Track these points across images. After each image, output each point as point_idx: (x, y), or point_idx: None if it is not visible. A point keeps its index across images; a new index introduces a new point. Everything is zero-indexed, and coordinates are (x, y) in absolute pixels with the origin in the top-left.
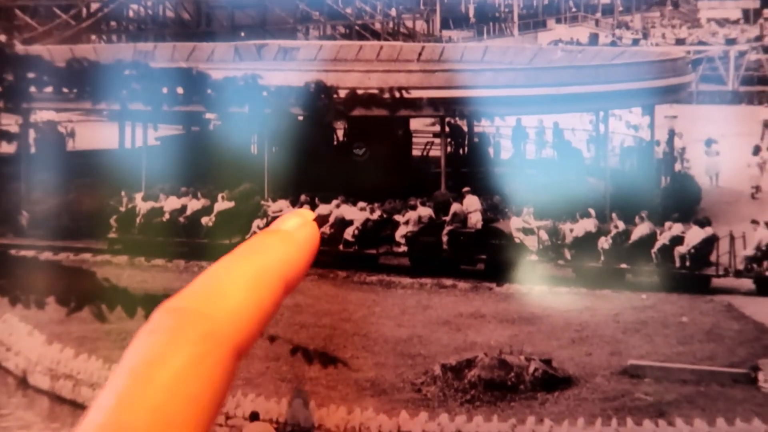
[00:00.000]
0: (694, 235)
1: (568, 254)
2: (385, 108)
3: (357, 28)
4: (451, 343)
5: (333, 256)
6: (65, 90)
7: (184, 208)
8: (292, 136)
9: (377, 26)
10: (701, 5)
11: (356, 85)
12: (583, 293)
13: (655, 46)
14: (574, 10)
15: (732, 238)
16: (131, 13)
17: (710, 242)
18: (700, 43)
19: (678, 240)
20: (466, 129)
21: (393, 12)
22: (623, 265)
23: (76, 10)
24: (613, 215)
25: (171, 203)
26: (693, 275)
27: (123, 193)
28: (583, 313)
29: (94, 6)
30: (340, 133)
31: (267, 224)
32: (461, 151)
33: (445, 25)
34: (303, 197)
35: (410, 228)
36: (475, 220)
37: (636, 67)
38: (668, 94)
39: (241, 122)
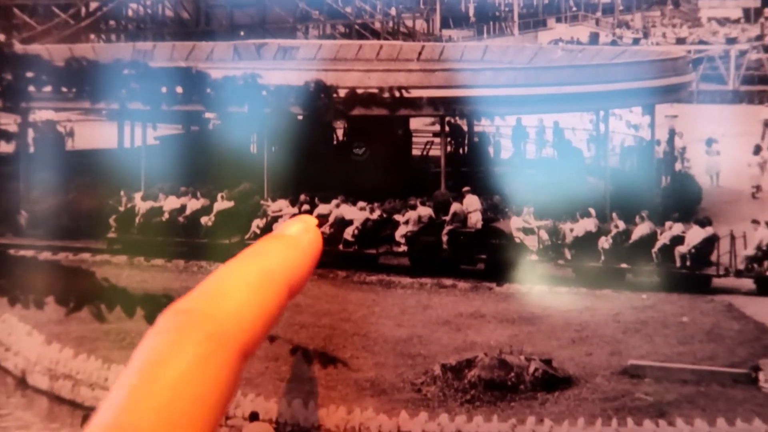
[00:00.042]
0: (695, 234)
1: (568, 254)
2: (384, 107)
3: (357, 27)
4: (451, 343)
5: (333, 256)
6: (64, 89)
7: (183, 207)
8: (291, 135)
9: (377, 25)
10: (702, 4)
11: (356, 85)
12: (584, 293)
13: (656, 45)
14: (574, 9)
15: (732, 238)
16: (130, 13)
17: (711, 242)
18: (701, 42)
19: (678, 240)
20: (466, 128)
21: (393, 11)
22: (623, 265)
23: (75, 10)
24: (614, 215)
25: (170, 203)
26: (693, 275)
27: (122, 193)
28: (584, 313)
29: (93, 5)
30: (340, 133)
31: (267, 224)
32: (461, 151)
33: (445, 24)
34: (303, 197)
35: (410, 228)
36: (475, 219)
37: (636, 66)
38: (669, 93)
39: (241, 121)
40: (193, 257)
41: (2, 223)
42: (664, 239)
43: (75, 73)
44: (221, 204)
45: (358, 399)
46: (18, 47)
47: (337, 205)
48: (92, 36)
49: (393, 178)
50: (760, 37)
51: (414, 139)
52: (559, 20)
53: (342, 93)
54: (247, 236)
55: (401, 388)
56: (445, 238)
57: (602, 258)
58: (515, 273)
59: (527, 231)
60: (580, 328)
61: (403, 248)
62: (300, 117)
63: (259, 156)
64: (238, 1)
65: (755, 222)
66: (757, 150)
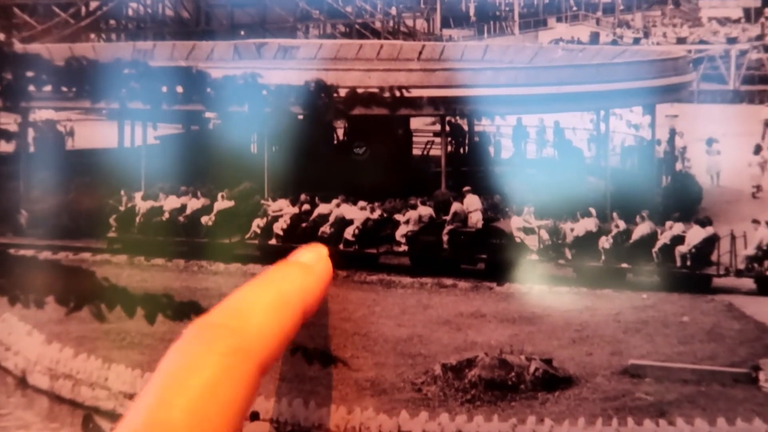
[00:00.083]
0: (695, 234)
1: (568, 254)
2: (385, 107)
3: (357, 26)
4: (452, 342)
5: (333, 256)
6: (64, 88)
7: (183, 207)
8: (292, 135)
9: (377, 25)
10: (702, 4)
11: (356, 84)
12: (584, 293)
13: (656, 45)
14: (574, 8)
15: (733, 238)
16: (130, 12)
17: (711, 242)
18: (701, 42)
19: (679, 239)
20: (466, 128)
21: (393, 11)
22: (624, 265)
23: (75, 9)
24: (614, 214)
25: (171, 202)
26: (694, 275)
27: (122, 192)
28: (584, 313)
29: (93, 4)
30: (340, 132)
31: (267, 223)
32: (462, 151)
33: (445, 23)
34: (303, 196)
35: (410, 227)
36: (476, 219)
37: (637, 66)
38: (669, 93)
39: (241, 121)
40: (194, 257)
41: (2, 223)
42: (664, 239)
43: (75, 73)
44: (221, 203)
45: (359, 398)
46: (18, 46)
47: (338, 205)
48: (92, 35)
49: (393, 178)
50: (760, 37)
51: (414, 139)
52: (559, 20)
53: (342, 92)
54: (247, 236)
55: (402, 388)
56: (445, 238)
57: (603, 258)
58: (516, 273)
59: (528, 231)
60: (580, 328)
61: (404, 248)
62: (300, 116)
63: (260, 155)
64: (238, 0)
65: (755, 222)
66: (758, 150)
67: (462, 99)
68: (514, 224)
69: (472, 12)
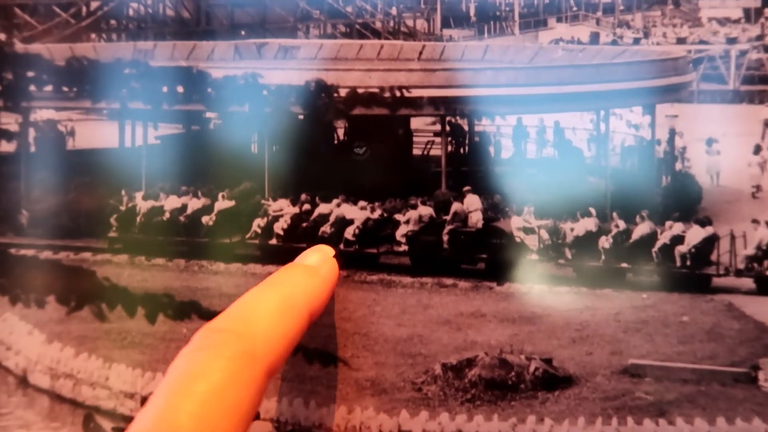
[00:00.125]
0: (695, 234)
1: (568, 253)
2: (385, 107)
3: (357, 26)
4: (452, 342)
5: (338, 256)
6: (65, 88)
7: (184, 207)
8: (292, 135)
9: (378, 25)
10: (702, 4)
11: (357, 84)
12: (584, 292)
13: (656, 45)
14: (574, 9)
15: (733, 238)
16: (131, 12)
17: (711, 241)
18: (701, 42)
19: (679, 239)
20: (466, 128)
21: (394, 11)
22: (624, 265)
23: (75, 9)
24: (614, 214)
25: (171, 202)
26: (693, 274)
27: (123, 192)
28: (584, 313)
29: (94, 4)
30: (341, 132)
31: (267, 223)
32: (462, 150)
33: (445, 23)
34: (303, 196)
35: (411, 227)
36: (476, 219)
37: (637, 66)
38: (669, 93)
39: (242, 121)
40: (194, 256)
41: (3, 223)
42: (664, 239)
43: (76, 73)
44: (222, 203)
45: (359, 398)
46: (19, 46)
47: (338, 205)
48: (93, 35)
49: (394, 178)
50: (760, 37)
51: (415, 139)
52: (559, 20)
53: (343, 92)
54: (248, 236)
55: (402, 388)
56: (445, 238)
57: (603, 257)
58: (516, 272)
59: (528, 230)
60: (580, 328)
61: (404, 248)
62: (301, 116)
63: (260, 155)
64: (238, 0)
65: (755, 221)
66: (757, 150)
67: (462, 99)
68: (514, 224)
69: (472, 12)
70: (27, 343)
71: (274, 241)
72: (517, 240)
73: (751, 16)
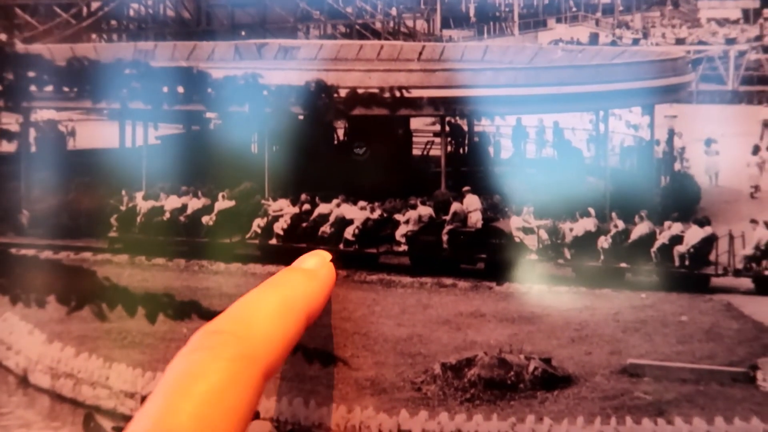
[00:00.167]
0: (694, 234)
1: (567, 253)
2: (385, 107)
3: (357, 27)
4: (451, 342)
5: (333, 256)
6: (66, 89)
7: (184, 207)
8: (292, 135)
9: (378, 25)
10: (701, 5)
11: (357, 85)
12: (583, 292)
13: (655, 45)
14: (574, 9)
15: (731, 238)
16: (132, 12)
17: (709, 241)
18: (700, 42)
19: (677, 239)
20: (466, 128)
21: (393, 11)
22: (623, 265)
23: (76, 9)
24: (613, 214)
25: (171, 202)
26: (692, 274)
27: (123, 192)
28: (583, 312)
29: (95, 5)
30: (341, 133)
31: (267, 223)
32: (461, 151)
33: (445, 24)
34: (303, 196)
35: (410, 227)
36: (475, 219)
37: (636, 66)
38: (668, 93)
39: (242, 121)
40: (194, 256)
41: (3, 223)
42: (663, 239)
43: (76, 73)
44: (222, 203)
45: (359, 398)
46: (19, 47)
47: (338, 205)
48: (94, 36)
49: (393, 178)
50: (759, 38)
51: (414, 139)
52: (559, 20)
53: (343, 93)
54: (248, 236)
55: (401, 387)
56: (445, 238)
57: (602, 257)
58: (515, 272)
59: (527, 230)
60: (579, 327)
61: (404, 248)
62: (301, 117)
63: (260, 156)
64: (238, 0)
65: (754, 222)
66: (756, 150)
67: (462, 99)
68: (514, 224)
69: (472, 13)
70: (27, 343)
71: (274, 241)
72: (517, 240)
73: (749, 16)
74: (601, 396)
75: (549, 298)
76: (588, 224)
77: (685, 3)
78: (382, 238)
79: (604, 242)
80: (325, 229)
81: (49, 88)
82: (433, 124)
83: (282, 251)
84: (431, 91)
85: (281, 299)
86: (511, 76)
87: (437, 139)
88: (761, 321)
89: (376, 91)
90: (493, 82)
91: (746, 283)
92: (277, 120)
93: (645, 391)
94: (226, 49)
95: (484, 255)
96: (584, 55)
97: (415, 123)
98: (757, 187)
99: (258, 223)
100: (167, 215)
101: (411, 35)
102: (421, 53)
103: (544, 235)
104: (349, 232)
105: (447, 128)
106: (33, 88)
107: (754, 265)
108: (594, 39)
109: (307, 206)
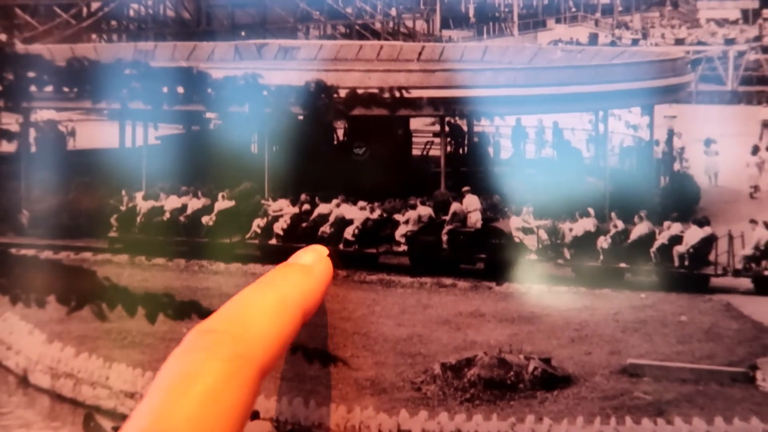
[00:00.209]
0: (693, 234)
1: (567, 253)
2: (385, 107)
3: (357, 27)
4: (451, 342)
5: (333, 256)
6: (66, 89)
7: (184, 207)
8: (292, 135)
9: (377, 26)
10: (700, 5)
11: (356, 85)
12: (583, 292)
13: (655, 46)
14: (573, 10)
15: (731, 238)
16: (132, 13)
17: (709, 242)
18: (700, 43)
19: (677, 239)
20: (465, 128)
21: (393, 12)
22: (622, 265)
23: (76, 9)
24: (613, 215)
25: (171, 202)
26: (692, 274)
27: (123, 192)
28: (583, 312)
29: (95, 5)
30: (341, 133)
31: (267, 223)
32: (461, 151)
33: (445, 24)
34: (303, 196)
35: (410, 227)
36: (475, 219)
37: (635, 67)
38: (667, 93)
39: (242, 121)
40: (194, 256)
41: (3, 223)
42: (662, 239)
43: (76, 73)
44: (222, 203)
45: (359, 398)
46: (19, 47)
47: (338, 205)
48: (94, 36)
49: (393, 178)
50: (758, 38)
51: (414, 139)
52: (558, 21)
53: (342, 93)
54: (247, 236)
55: (401, 387)
56: (444, 238)
57: (601, 257)
58: (515, 272)
59: (527, 231)
60: (579, 327)
61: (403, 248)
62: (301, 117)
63: (260, 156)
64: (239, 0)
65: (753, 222)
66: (755, 150)
67: (461, 99)
68: (513, 224)
69: (471, 13)
70: (27, 343)
71: (273, 241)
72: (516, 240)
73: (749, 17)
74: (601, 396)
75: (549, 298)
76: (587, 224)
77: (684, 3)
78: (381, 238)
79: (603, 242)
80: (325, 229)
81: (49, 88)
82: (433, 124)
83: (282, 251)
84: (431, 91)
85: (277, 296)
86: (511, 76)
87: (437, 140)
88: (761, 321)
89: (375, 91)
90: (493, 82)
91: (746, 283)
92: (277, 120)
93: (645, 391)
94: (226, 50)
95: (483, 255)
96: (584, 55)
97: (415, 123)
98: (756, 187)
99: (258, 223)
100: (167, 215)
101: (410, 35)
102: (420, 53)
103: (543, 235)
104: (348, 232)
105: (446, 128)
106: (33, 88)
107: (753, 265)
108: (593, 39)
109: (306, 206)
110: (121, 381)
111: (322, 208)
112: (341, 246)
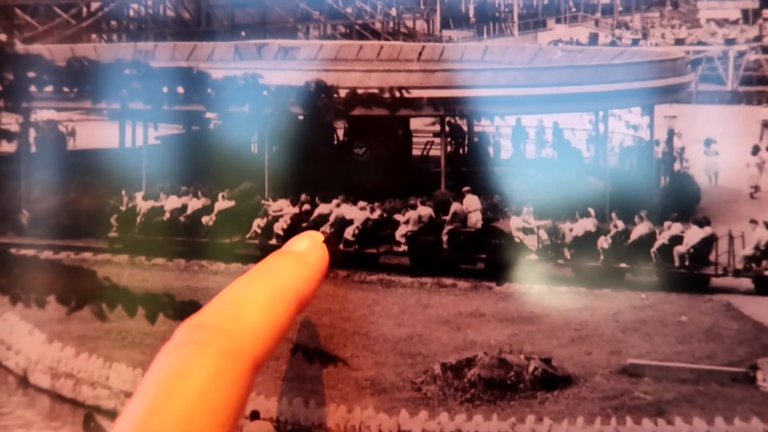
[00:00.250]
0: (693, 234)
1: (567, 254)
2: (385, 107)
3: (357, 27)
4: (451, 342)
5: (333, 256)
6: (66, 89)
7: (184, 207)
8: (292, 135)
9: (377, 26)
10: (700, 5)
11: (356, 85)
12: (583, 292)
13: (655, 46)
14: (573, 10)
15: (731, 238)
16: (132, 13)
17: (709, 242)
18: (700, 43)
19: (677, 239)
20: (465, 128)
21: (393, 12)
22: (622, 265)
23: (76, 9)
24: (613, 215)
25: (171, 202)
26: (692, 275)
27: (123, 192)
28: (583, 312)
29: (95, 5)
30: (341, 133)
31: (267, 223)
32: (461, 151)
33: (445, 24)
34: (303, 196)
35: (410, 227)
36: (475, 219)
37: (635, 67)
38: (668, 94)
39: (242, 121)
40: (194, 256)
41: (3, 223)
42: (662, 239)
43: (76, 73)
44: (222, 203)
45: (359, 398)
46: (19, 47)
47: (338, 205)
48: (93, 36)
49: (393, 178)
50: (758, 38)
51: (414, 139)
52: (558, 21)
53: (343, 93)
54: (248, 236)
55: (401, 387)
56: (445, 238)
57: (601, 257)
58: (515, 272)
59: (527, 231)
60: (579, 327)
61: (404, 248)
62: (301, 117)
63: (260, 156)
64: (238, 0)
65: (753, 222)
66: (755, 150)
67: (461, 100)
68: (514, 224)
69: (471, 13)
70: (27, 343)
71: (274, 241)
72: (516, 240)
73: (749, 17)
74: (601, 396)
75: (549, 298)
76: (588, 224)
77: (684, 3)
78: (382, 238)
79: (603, 242)
80: (325, 229)
81: (49, 88)
82: (433, 124)
83: None
84: (431, 91)
85: (270, 287)
86: (511, 76)
87: (437, 140)
88: (761, 321)
89: (375, 91)
90: (493, 82)
91: (746, 283)
92: (277, 120)
93: (645, 391)
94: (226, 50)
95: (483, 255)
96: (584, 55)
97: (415, 123)
98: (756, 188)
99: (258, 223)
100: (167, 215)
101: (411, 35)
102: (420, 54)
103: (543, 235)
104: (349, 233)
105: (447, 128)
106: (33, 88)
107: (753, 265)
108: (593, 39)
109: (307, 206)
110: (121, 381)
111: (323, 208)
112: (341, 246)
